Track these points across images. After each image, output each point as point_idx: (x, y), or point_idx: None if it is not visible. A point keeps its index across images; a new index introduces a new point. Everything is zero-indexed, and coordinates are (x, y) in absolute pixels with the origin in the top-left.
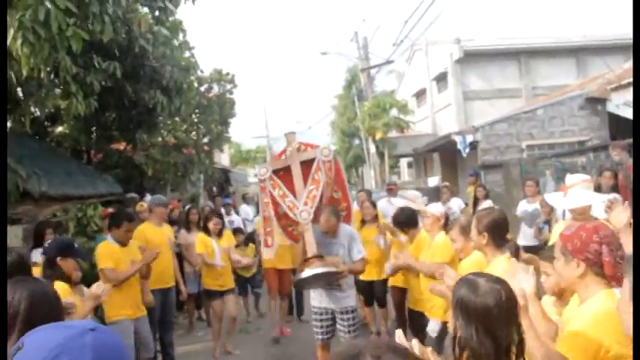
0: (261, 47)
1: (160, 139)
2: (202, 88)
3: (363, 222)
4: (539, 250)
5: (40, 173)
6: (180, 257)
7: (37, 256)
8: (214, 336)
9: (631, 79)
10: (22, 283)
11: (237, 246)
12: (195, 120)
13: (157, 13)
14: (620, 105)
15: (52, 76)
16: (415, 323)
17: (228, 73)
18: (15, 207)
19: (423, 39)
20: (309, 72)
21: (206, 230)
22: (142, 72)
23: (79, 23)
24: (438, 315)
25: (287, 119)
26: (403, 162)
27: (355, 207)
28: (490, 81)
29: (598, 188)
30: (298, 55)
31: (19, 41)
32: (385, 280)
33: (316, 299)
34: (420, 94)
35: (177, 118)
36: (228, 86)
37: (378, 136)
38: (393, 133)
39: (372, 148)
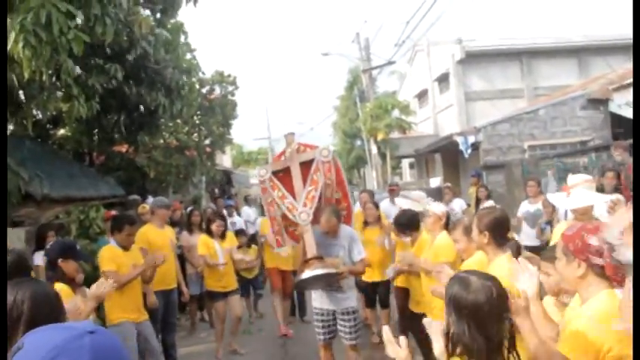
0: (262, 48)
1: (161, 141)
2: (204, 90)
3: (366, 223)
4: (541, 251)
5: (42, 176)
6: (182, 259)
7: (39, 258)
8: (217, 337)
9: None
10: (24, 284)
11: (239, 247)
12: (197, 122)
13: (158, 15)
14: (622, 105)
15: (54, 78)
16: (416, 325)
17: (229, 75)
18: (17, 209)
19: (425, 40)
20: (310, 73)
21: (209, 232)
22: (144, 74)
23: (80, 26)
24: (440, 317)
25: (289, 120)
26: (405, 163)
27: (357, 207)
28: (492, 81)
29: (601, 189)
30: (300, 56)
31: (20, 44)
32: (388, 282)
33: (317, 300)
34: (422, 95)
35: (179, 120)
36: (230, 88)
37: (380, 137)
38: (395, 134)
39: (374, 149)
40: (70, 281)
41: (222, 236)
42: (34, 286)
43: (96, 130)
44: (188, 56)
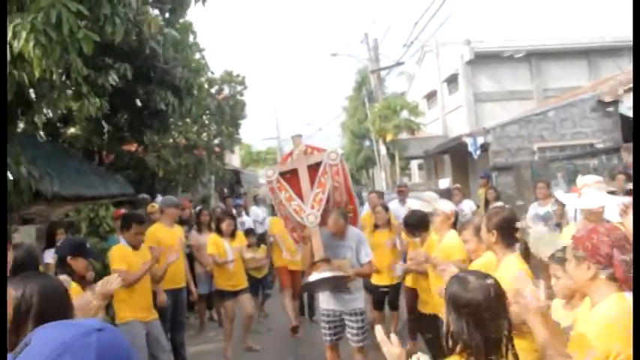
0: (271, 49)
1: (171, 140)
2: (213, 90)
3: (376, 226)
4: None
5: (52, 174)
6: (191, 258)
7: (49, 256)
8: (226, 336)
9: None
10: (33, 278)
11: (249, 246)
12: (206, 121)
13: (167, 14)
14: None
15: (64, 77)
16: (426, 325)
17: (238, 75)
18: (28, 207)
19: (434, 40)
20: (319, 73)
21: (219, 231)
22: (153, 73)
23: (90, 25)
24: None
25: (297, 120)
26: (414, 164)
27: (366, 208)
28: (501, 83)
29: (611, 192)
30: (308, 56)
31: (31, 43)
32: (398, 285)
33: (324, 301)
34: (431, 96)
35: (188, 120)
36: (239, 88)
37: (389, 137)
38: (404, 135)
39: (383, 150)
40: (80, 279)
41: (232, 235)
42: (43, 280)
43: (105, 129)
44: (197, 56)
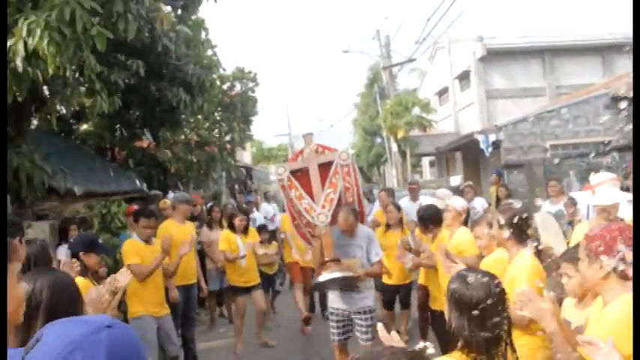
0: (283, 45)
1: (182, 136)
2: (225, 87)
3: (388, 226)
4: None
5: (65, 170)
6: (202, 254)
7: (62, 252)
8: (236, 333)
9: None
10: (44, 273)
11: (261, 242)
12: (218, 118)
13: (179, 11)
14: None
15: (77, 74)
16: (436, 322)
17: (250, 72)
18: (41, 203)
19: (446, 37)
20: (331, 70)
21: (231, 227)
22: (165, 70)
23: (103, 22)
24: None
25: (309, 117)
26: (425, 161)
27: (377, 206)
28: (513, 79)
29: (625, 190)
30: (320, 53)
31: (45, 41)
32: (410, 284)
33: (333, 300)
34: (443, 93)
35: (199, 116)
36: (251, 84)
37: (400, 134)
38: (415, 132)
39: (394, 147)
40: (93, 275)
41: (245, 231)
42: (54, 275)
43: (118, 126)
44: (209, 52)
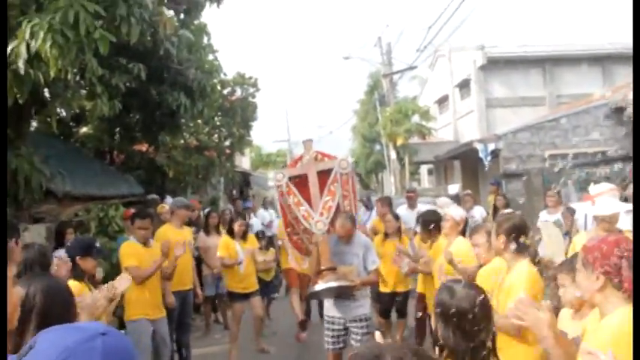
0: (284, 51)
1: (182, 141)
2: (225, 92)
3: (386, 235)
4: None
5: (64, 173)
6: (198, 260)
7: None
8: (232, 339)
9: None
10: (38, 278)
11: (259, 249)
12: (218, 123)
13: (182, 16)
14: None
15: (78, 77)
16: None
17: (251, 77)
18: (39, 206)
19: (447, 45)
20: (331, 76)
21: (230, 233)
22: (167, 74)
23: (106, 26)
24: None
25: (308, 123)
26: (423, 169)
27: (374, 215)
28: (513, 88)
29: (624, 201)
30: (321, 59)
31: (48, 43)
32: (407, 293)
33: (329, 309)
34: (443, 101)
35: (199, 121)
36: (251, 90)
37: (399, 142)
38: (415, 140)
39: (393, 154)
40: (90, 279)
41: (244, 237)
42: (47, 280)
43: (117, 129)
44: (210, 57)
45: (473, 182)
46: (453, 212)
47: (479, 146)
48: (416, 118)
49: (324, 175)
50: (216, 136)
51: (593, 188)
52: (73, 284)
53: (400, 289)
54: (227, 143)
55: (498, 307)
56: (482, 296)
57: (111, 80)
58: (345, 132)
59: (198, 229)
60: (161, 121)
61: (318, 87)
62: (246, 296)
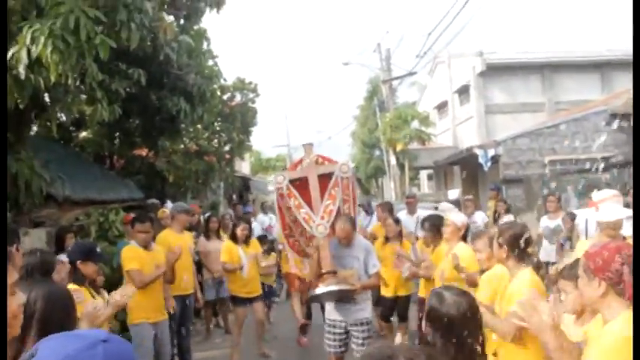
0: (283, 56)
1: (181, 146)
2: (225, 97)
3: (387, 239)
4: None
5: (64, 178)
6: (198, 265)
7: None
8: (233, 343)
9: None
10: (39, 284)
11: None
12: (217, 128)
13: (182, 21)
14: None
15: (78, 82)
16: None
17: (250, 82)
18: (39, 210)
19: (446, 51)
20: (331, 82)
21: (233, 237)
22: (166, 79)
23: (106, 31)
24: None
25: (308, 129)
26: (423, 174)
27: (374, 220)
28: (513, 94)
29: (626, 207)
30: (320, 65)
31: (49, 48)
32: (409, 297)
33: (330, 312)
34: (442, 107)
35: (199, 126)
36: (251, 95)
37: (399, 147)
38: (414, 145)
39: (393, 160)
40: (90, 283)
41: (246, 241)
42: (49, 286)
43: (117, 134)
44: (210, 62)
45: (473, 188)
46: (454, 218)
47: (478, 152)
48: (415, 124)
49: (324, 178)
50: (215, 141)
51: (596, 194)
52: (74, 289)
53: (402, 292)
54: (227, 148)
55: (501, 315)
56: (472, 303)
57: (111, 85)
58: (345, 137)
59: (198, 233)
60: (161, 126)
61: (318, 92)
62: (249, 301)
